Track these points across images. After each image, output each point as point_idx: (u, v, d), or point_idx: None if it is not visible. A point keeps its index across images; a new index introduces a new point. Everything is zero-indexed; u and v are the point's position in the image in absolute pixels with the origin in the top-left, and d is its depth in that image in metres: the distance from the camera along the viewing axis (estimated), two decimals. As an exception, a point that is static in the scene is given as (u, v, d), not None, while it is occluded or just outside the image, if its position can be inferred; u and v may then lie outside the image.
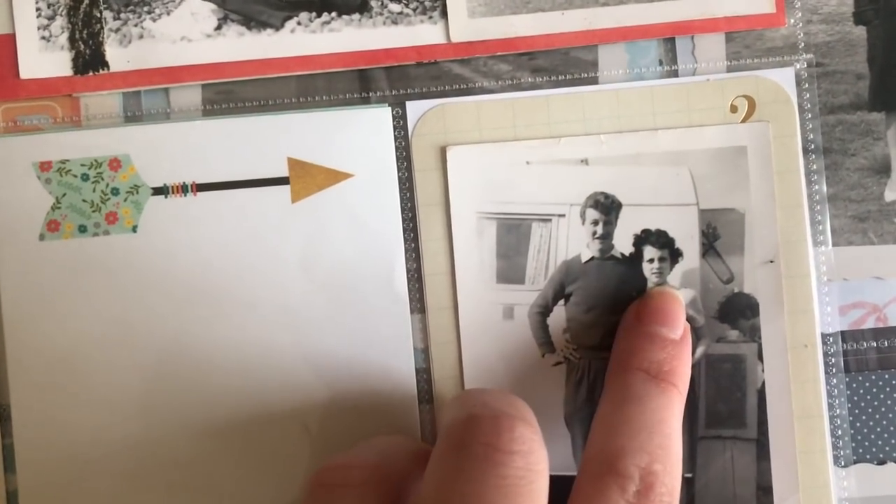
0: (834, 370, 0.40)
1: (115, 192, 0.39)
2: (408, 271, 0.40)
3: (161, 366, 0.39)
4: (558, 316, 0.40)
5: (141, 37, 0.40)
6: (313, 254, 0.39)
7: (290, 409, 0.39)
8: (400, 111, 0.40)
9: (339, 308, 0.39)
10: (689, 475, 0.40)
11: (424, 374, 0.40)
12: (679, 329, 0.38)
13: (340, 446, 0.39)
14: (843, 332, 0.40)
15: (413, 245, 0.40)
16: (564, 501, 0.41)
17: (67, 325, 0.39)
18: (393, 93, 0.40)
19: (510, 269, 0.40)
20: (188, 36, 0.40)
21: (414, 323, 0.40)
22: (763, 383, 0.40)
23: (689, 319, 0.40)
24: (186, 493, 0.39)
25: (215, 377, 0.39)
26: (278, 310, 0.39)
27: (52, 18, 0.40)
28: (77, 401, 0.39)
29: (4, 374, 0.39)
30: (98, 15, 0.40)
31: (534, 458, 0.31)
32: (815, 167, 0.40)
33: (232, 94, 0.40)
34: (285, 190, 0.40)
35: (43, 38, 0.40)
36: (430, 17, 0.40)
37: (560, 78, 0.40)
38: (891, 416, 0.40)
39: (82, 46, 0.40)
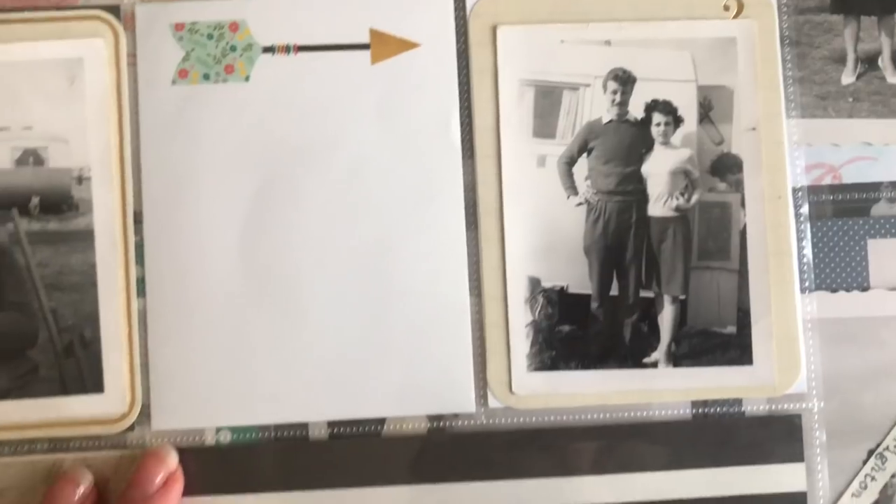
0: (801, 217, 0.50)
1: (233, 48, 0.49)
2: (461, 125, 0.50)
3: (260, 189, 0.49)
4: (581, 166, 0.50)
5: (257, -71, 0.50)
6: (386, 106, 0.49)
7: (361, 231, 0.49)
8: (461, -4, 0.50)
9: (406, 151, 0.49)
10: (682, 297, 0.50)
11: (471, 206, 0.49)
12: (151, 487, 0.46)
13: (397, 261, 0.48)
14: (807, 187, 0.50)
15: (466, 104, 0.50)
16: (583, 314, 0.51)
17: (190, 151, 0.48)
18: (456, -19, 0.51)
19: (544, 126, 0.50)
20: (294, -68, 0.50)
21: (465, 166, 0.50)
22: (744, 226, 0.50)
23: (687, 173, 0.50)
24: (277, 309, 0.48)
25: (302, 203, 0.49)
26: (357, 151, 0.49)
27: None
28: (193, 210, 0.48)
29: (139, 187, 0.48)
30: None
31: None
32: (788, 56, 0.51)
33: (327, -22, 0.50)
34: (366, 54, 0.49)
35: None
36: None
37: (589, -24, 0.51)
38: (842, 254, 0.50)
39: (211, -66, 0.50)
